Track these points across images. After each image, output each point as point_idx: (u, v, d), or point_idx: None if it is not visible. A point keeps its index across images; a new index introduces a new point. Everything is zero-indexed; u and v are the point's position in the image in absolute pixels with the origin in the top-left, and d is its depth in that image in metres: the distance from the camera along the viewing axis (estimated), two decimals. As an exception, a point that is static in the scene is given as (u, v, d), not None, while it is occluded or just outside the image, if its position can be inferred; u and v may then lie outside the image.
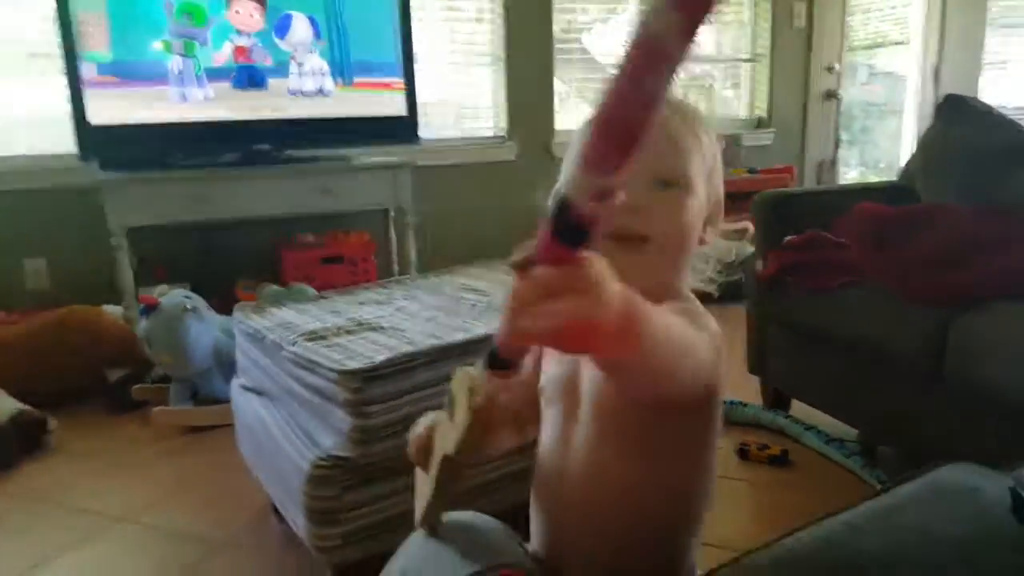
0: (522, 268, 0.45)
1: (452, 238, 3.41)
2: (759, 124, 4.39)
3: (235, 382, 1.78)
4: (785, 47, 4.27)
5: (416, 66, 3.10)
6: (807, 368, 2.10)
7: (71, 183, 2.85)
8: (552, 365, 0.79)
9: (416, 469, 0.78)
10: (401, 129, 3.10)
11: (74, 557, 1.66)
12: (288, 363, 1.45)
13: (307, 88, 2.94)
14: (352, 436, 1.30)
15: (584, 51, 3.90)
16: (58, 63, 2.60)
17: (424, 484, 0.74)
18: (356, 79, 3.02)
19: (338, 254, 3.08)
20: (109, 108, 2.65)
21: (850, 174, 4.91)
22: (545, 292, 0.44)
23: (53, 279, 2.98)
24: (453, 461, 0.67)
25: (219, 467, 2.02)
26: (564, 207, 0.42)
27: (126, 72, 2.68)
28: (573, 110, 3.97)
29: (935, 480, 0.75)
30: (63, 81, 2.59)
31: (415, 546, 0.76)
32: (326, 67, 2.95)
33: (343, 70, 2.99)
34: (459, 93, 3.73)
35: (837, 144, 4.59)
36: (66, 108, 2.61)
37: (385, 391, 1.32)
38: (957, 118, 2.28)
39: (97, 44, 2.61)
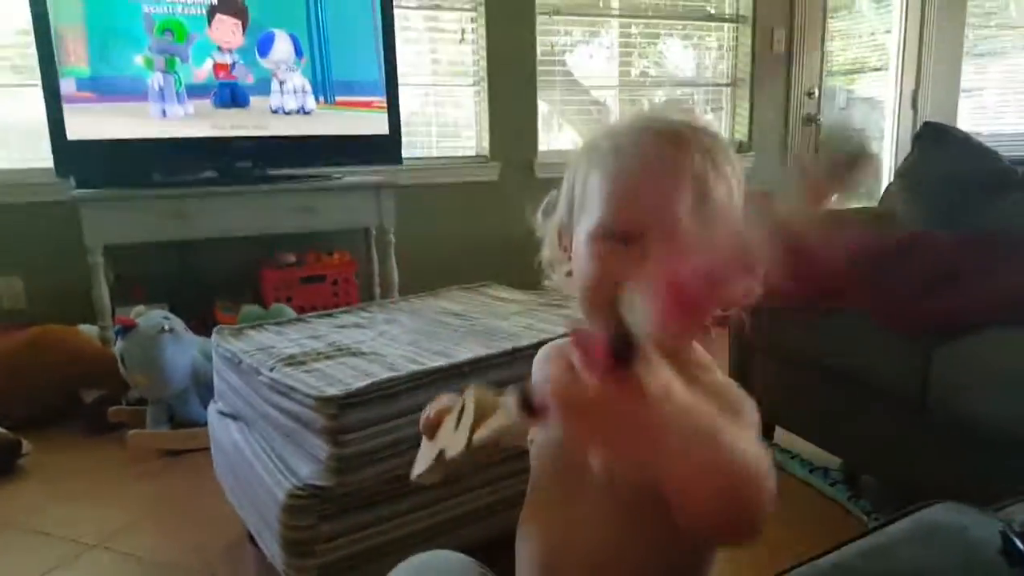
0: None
1: (433, 258, 3.39)
2: (740, 148, 4.41)
3: (212, 407, 1.75)
4: (766, 72, 4.31)
5: (399, 85, 3.09)
6: (791, 396, 2.09)
7: (48, 199, 2.81)
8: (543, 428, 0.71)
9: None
10: (383, 148, 3.08)
11: (42, 586, 1.61)
12: (265, 388, 1.42)
13: (289, 106, 2.92)
14: (329, 465, 1.27)
15: (567, 72, 3.92)
16: (36, 76, 2.56)
17: (427, 448, 0.74)
18: (338, 98, 3.00)
19: (319, 274, 3.05)
20: (88, 124, 2.61)
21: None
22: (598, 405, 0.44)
23: (28, 297, 2.93)
24: (451, 460, 0.68)
25: (196, 492, 1.98)
26: (628, 342, 0.44)
27: (105, 88, 2.64)
28: (556, 131, 3.98)
29: (923, 520, 0.74)
30: (40, 95, 2.55)
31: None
32: (308, 85, 2.94)
33: (325, 88, 2.97)
34: (441, 113, 3.73)
35: (817, 168, 4.61)
36: (43, 122, 2.57)
37: (363, 418, 1.29)
38: (935, 146, 2.30)
39: (76, 59, 2.58)
